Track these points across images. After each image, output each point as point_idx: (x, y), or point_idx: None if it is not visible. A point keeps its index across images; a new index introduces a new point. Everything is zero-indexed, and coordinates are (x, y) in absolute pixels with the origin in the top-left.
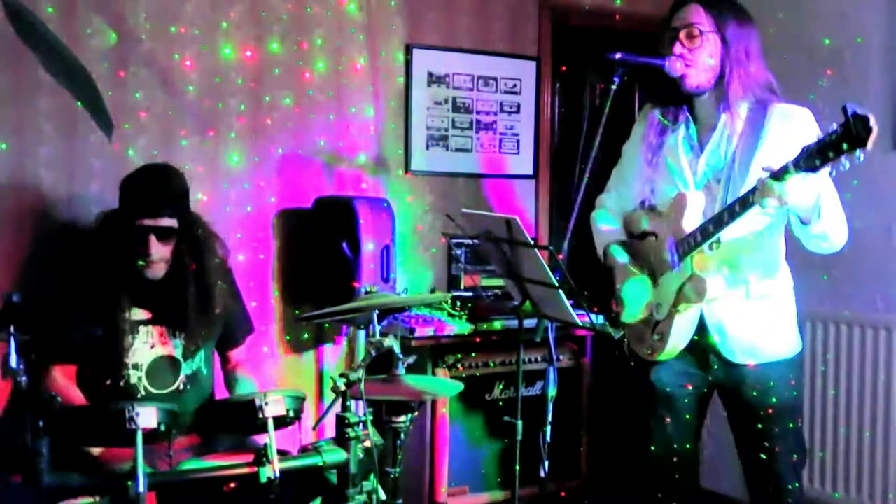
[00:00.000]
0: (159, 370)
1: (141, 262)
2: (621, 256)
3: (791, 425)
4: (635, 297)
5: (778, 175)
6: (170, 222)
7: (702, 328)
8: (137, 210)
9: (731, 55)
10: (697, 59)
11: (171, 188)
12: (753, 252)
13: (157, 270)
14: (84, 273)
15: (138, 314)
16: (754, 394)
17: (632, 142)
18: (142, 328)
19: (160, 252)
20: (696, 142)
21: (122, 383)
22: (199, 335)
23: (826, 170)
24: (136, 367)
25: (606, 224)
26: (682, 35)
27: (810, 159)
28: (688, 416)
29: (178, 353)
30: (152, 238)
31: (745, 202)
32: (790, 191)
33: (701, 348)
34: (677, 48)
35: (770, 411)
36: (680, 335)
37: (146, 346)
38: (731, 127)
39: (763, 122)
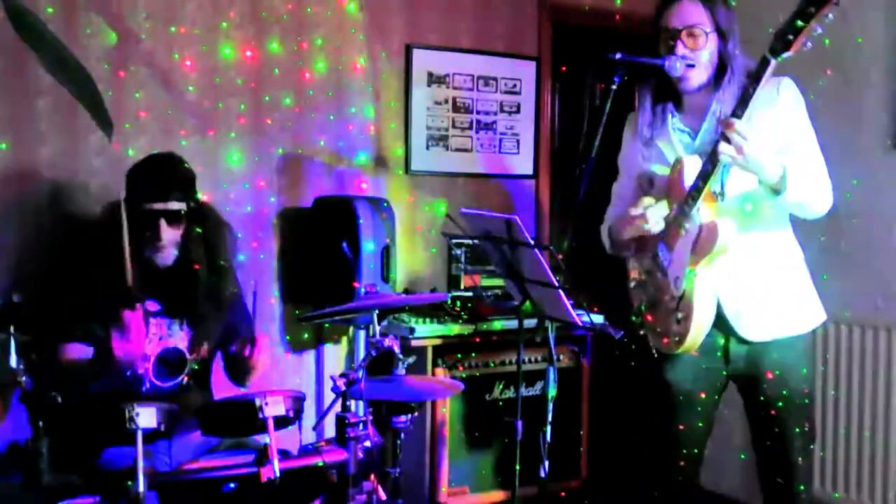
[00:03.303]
0: (166, 363)
1: (149, 250)
2: None
3: (802, 403)
4: None
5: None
6: (179, 205)
7: (719, 313)
8: (146, 195)
9: (728, 49)
10: (700, 59)
11: (179, 173)
12: (761, 227)
13: (167, 256)
14: (92, 266)
15: (148, 305)
16: (770, 371)
17: (624, 149)
18: (151, 319)
19: (170, 236)
20: (687, 127)
21: (128, 373)
22: (208, 324)
23: (799, 43)
24: (144, 358)
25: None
26: (683, 35)
27: (783, 36)
28: (700, 424)
29: (184, 345)
30: (162, 222)
31: (716, 146)
32: (747, 134)
33: (720, 335)
34: (680, 49)
35: (783, 387)
36: (703, 309)
37: (154, 338)
38: (721, 103)
39: (748, 98)
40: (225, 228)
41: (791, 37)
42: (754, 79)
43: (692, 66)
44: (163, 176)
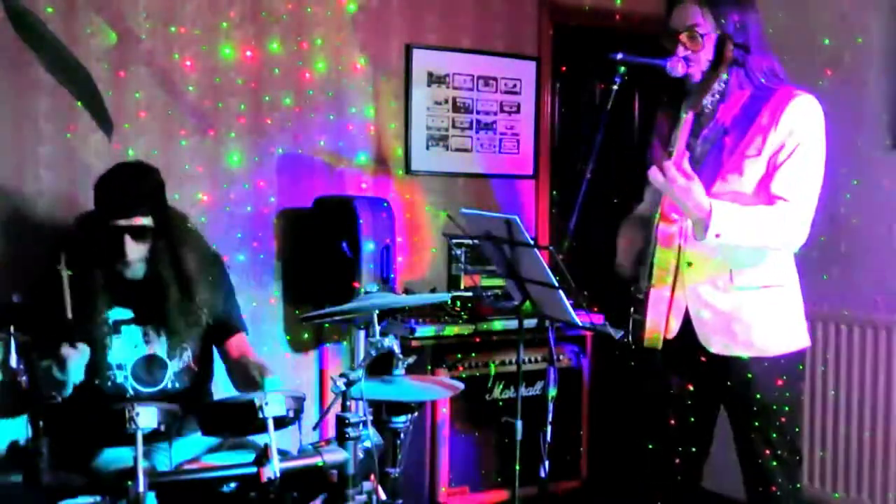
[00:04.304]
0: (145, 369)
1: (117, 264)
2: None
3: (779, 425)
4: None
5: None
6: (144, 221)
7: (686, 319)
8: (110, 211)
9: (733, 52)
10: (701, 60)
11: (143, 187)
12: (734, 251)
13: (136, 270)
14: (62, 275)
15: (120, 314)
16: (738, 389)
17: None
18: (124, 328)
19: (136, 252)
20: (695, 128)
21: (108, 384)
22: (182, 332)
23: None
24: (120, 367)
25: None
26: (683, 38)
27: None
28: (693, 419)
29: (162, 352)
30: (127, 238)
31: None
32: (673, 175)
33: (687, 341)
34: (680, 50)
35: (755, 408)
36: (656, 314)
37: (130, 346)
38: (725, 115)
39: (758, 110)
40: (195, 236)
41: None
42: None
43: (693, 65)
44: (127, 191)
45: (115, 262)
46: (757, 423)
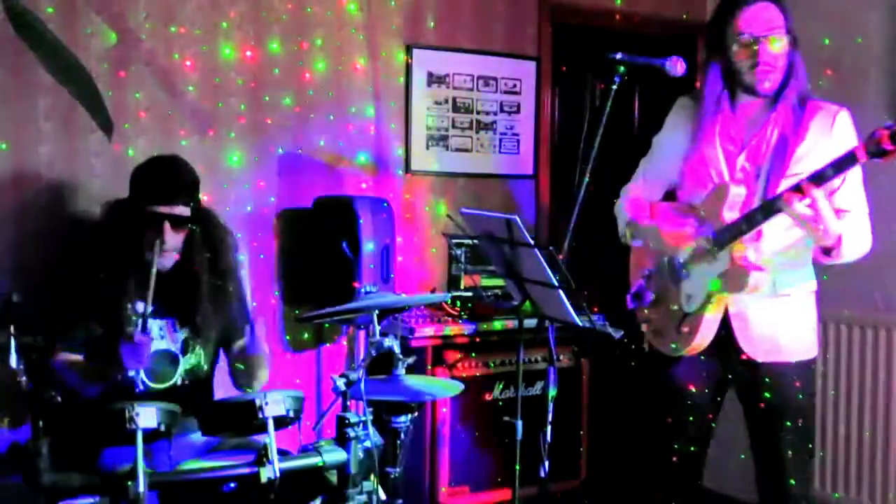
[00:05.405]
0: (158, 365)
1: (150, 253)
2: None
3: (804, 426)
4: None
5: (814, 179)
6: (183, 210)
7: (724, 323)
8: (151, 197)
9: (796, 53)
10: (779, 65)
11: (185, 177)
12: (784, 251)
13: (167, 260)
14: (89, 265)
15: (142, 306)
16: (770, 392)
17: (664, 133)
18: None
19: (173, 240)
20: (735, 136)
21: (119, 377)
22: (208, 329)
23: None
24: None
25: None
26: (766, 41)
27: (883, 143)
28: (710, 417)
29: (177, 348)
30: (167, 225)
31: (771, 207)
32: (824, 209)
33: (722, 344)
34: (763, 55)
35: (784, 411)
36: (708, 329)
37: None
38: (776, 124)
39: (803, 121)
40: (226, 233)
41: (889, 148)
42: (837, 168)
43: (773, 70)
44: (169, 179)
45: (150, 249)
46: (786, 425)
